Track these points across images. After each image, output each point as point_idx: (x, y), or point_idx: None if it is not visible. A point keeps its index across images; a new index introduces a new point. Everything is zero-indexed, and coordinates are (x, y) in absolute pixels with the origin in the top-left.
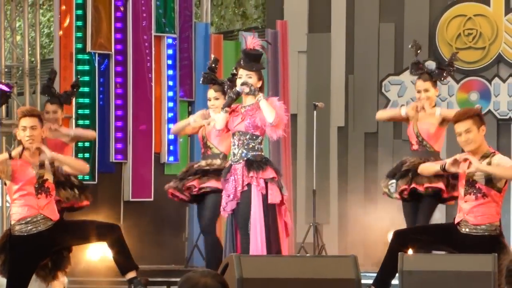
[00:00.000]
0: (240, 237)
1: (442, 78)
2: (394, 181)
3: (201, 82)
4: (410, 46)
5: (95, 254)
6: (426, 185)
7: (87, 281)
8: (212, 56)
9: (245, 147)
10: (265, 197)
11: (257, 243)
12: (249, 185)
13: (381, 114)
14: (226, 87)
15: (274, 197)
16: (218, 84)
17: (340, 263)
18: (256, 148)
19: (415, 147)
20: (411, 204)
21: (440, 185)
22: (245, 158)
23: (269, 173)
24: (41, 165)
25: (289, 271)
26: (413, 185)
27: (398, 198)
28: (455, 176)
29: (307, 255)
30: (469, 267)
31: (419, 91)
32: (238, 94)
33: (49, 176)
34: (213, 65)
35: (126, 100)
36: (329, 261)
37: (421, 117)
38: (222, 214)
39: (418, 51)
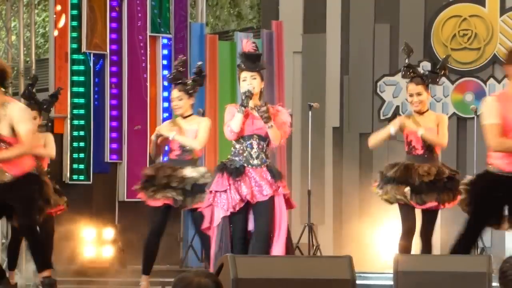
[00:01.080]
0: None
1: (435, 81)
2: (409, 188)
3: (168, 81)
4: (401, 49)
5: (89, 254)
6: (447, 205)
7: (81, 281)
8: (180, 57)
9: (264, 153)
10: (286, 203)
11: (282, 247)
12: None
13: (373, 141)
14: (189, 87)
15: (291, 203)
16: (182, 84)
17: (335, 264)
18: (269, 155)
19: (420, 151)
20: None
21: (432, 204)
22: (266, 164)
23: (285, 183)
24: None
25: (284, 271)
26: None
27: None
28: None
29: (302, 255)
30: (463, 268)
31: (411, 95)
32: (252, 93)
33: (4, 130)
34: (181, 67)
35: (121, 100)
36: (324, 261)
37: (421, 122)
38: (225, 213)
39: (410, 54)
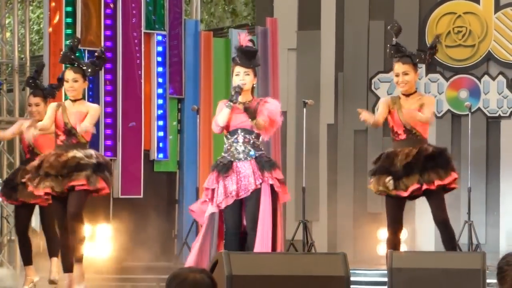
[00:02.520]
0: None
1: (424, 61)
2: (390, 177)
3: (60, 61)
4: (389, 27)
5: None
6: (437, 182)
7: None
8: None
9: (251, 145)
10: (275, 197)
11: (263, 242)
12: (261, 184)
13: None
14: (89, 70)
15: (284, 196)
16: (79, 66)
17: (329, 260)
18: (260, 147)
19: (402, 136)
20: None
21: (453, 175)
22: (254, 157)
23: (279, 173)
24: None
25: (278, 268)
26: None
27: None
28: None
29: (297, 252)
30: (458, 264)
31: (397, 75)
32: (241, 89)
33: None
34: (76, 46)
35: (116, 97)
36: (319, 258)
37: (404, 104)
38: (215, 210)
39: (398, 33)
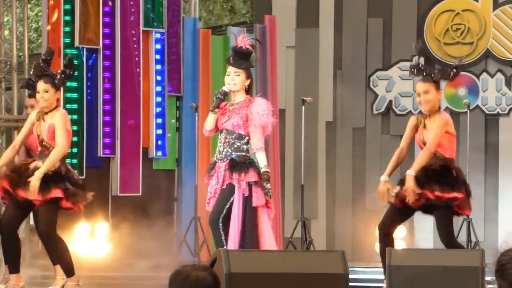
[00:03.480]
0: (211, 230)
1: (446, 77)
2: (398, 187)
3: (33, 72)
4: (413, 46)
5: (82, 249)
6: (437, 193)
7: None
8: (48, 47)
9: (231, 146)
10: (246, 199)
11: (235, 240)
12: (230, 185)
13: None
14: (57, 80)
15: (258, 199)
16: (49, 76)
17: (328, 258)
18: (241, 148)
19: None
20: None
21: (457, 194)
22: (229, 158)
23: (252, 176)
24: None
25: (277, 265)
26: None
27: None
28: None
29: (295, 250)
30: (456, 262)
31: (418, 94)
32: (225, 94)
33: None
34: (47, 56)
35: (114, 95)
36: (317, 256)
37: (428, 123)
38: (207, 209)
39: (421, 53)
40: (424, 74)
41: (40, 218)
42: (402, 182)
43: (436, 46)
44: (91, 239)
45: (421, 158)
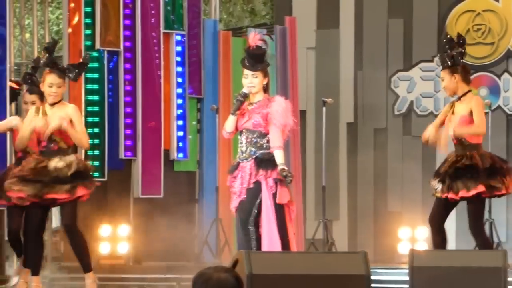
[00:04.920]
0: (240, 233)
1: (445, 62)
2: (438, 186)
3: (43, 64)
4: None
5: (104, 251)
6: (462, 193)
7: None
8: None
9: (253, 145)
10: (274, 196)
11: (272, 242)
12: (256, 183)
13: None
14: (72, 75)
15: (282, 197)
16: (63, 71)
17: (350, 259)
18: (264, 146)
19: (455, 141)
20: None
21: (479, 188)
22: (254, 156)
23: (278, 173)
24: None
25: (298, 267)
26: (448, 195)
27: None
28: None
29: (317, 251)
30: (479, 262)
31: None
32: (246, 96)
33: None
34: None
35: (135, 97)
36: (339, 257)
37: (456, 108)
38: (233, 211)
39: (451, 45)
40: (443, 64)
41: (66, 213)
42: (438, 174)
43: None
44: (113, 241)
45: (462, 132)
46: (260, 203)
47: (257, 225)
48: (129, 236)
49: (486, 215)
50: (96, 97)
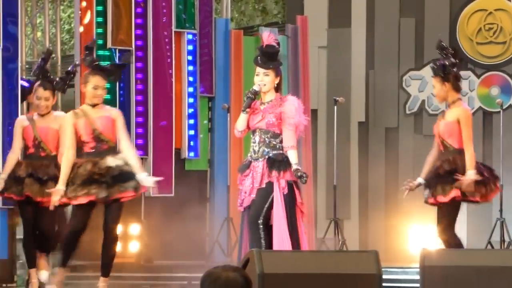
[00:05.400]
0: (249, 232)
1: (437, 71)
2: (425, 192)
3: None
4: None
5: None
6: (440, 198)
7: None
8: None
9: (267, 145)
10: (285, 197)
11: (283, 240)
12: (268, 183)
13: None
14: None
15: (295, 196)
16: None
17: (361, 258)
18: (277, 146)
19: (441, 147)
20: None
21: (454, 193)
22: (267, 156)
23: (290, 175)
24: None
25: (310, 266)
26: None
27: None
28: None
29: (328, 250)
30: (490, 262)
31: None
32: (256, 93)
33: None
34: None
35: (147, 96)
36: (350, 256)
37: (447, 115)
38: (239, 209)
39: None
40: (434, 72)
41: (113, 214)
42: (426, 182)
43: (468, 46)
44: (124, 240)
45: (469, 163)
46: (271, 204)
47: (267, 225)
48: (140, 235)
49: (497, 214)
50: (107, 96)
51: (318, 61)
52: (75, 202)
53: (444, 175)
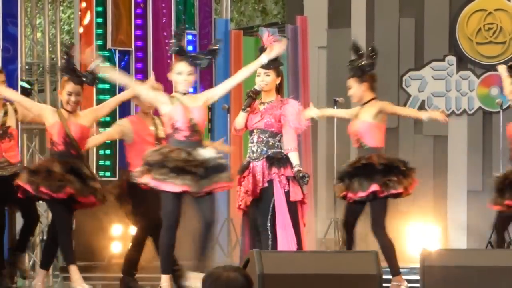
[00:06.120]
0: (261, 233)
1: (364, 72)
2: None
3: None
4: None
5: (116, 250)
6: (360, 194)
7: (108, 277)
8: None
9: (265, 144)
10: (287, 194)
11: (288, 239)
12: (270, 181)
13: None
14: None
15: (295, 194)
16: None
17: (361, 259)
18: (275, 145)
19: (356, 145)
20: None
21: (373, 187)
22: (265, 156)
23: (290, 170)
24: (5, 113)
25: (310, 266)
26: (347, 194)
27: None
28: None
29: (328, 250)
30: (492, 262)
31: None
32: (257, 93)
33: (12, 123)
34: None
35: None
36: (350, 256)
37: (360, 113)
38: (238, 210)
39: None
40: (352, 74)
41: (207, 207)
42: (338, 175)
43: (468, 46)
44: (125, 240)
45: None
46: (274, 204)
47: (273, 224)
48: None
49: None
50: (107, 97)
51: (318, 61)
52: (167, 188)
53: (362, 168)
